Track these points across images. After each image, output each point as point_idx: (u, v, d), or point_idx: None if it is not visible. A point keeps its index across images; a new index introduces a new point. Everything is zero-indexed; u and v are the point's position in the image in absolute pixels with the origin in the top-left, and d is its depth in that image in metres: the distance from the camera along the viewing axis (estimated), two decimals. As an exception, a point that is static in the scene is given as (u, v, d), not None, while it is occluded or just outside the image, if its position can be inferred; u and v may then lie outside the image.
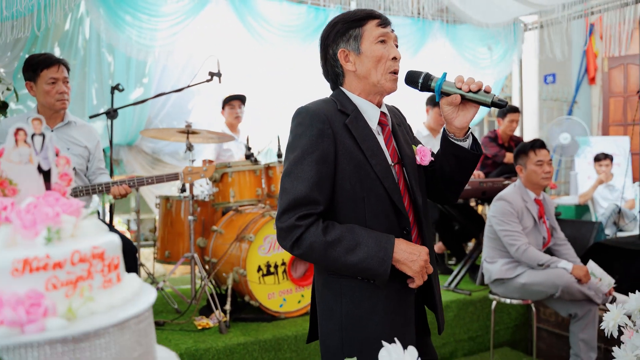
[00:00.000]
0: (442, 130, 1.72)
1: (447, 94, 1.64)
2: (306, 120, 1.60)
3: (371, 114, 1.69)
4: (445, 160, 1.72)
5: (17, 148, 0.79)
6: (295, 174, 1.57)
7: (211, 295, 3.37)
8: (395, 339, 1.08)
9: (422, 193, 1.74)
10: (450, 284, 4.18)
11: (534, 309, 3.58)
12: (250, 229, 3.42)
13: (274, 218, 3.40)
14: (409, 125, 1.89)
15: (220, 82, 3.82)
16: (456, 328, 3.85)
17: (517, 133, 6.13)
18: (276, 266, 3.45)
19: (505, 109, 5.03)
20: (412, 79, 1.67)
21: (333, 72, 1.73)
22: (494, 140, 5.17)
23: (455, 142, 1.67)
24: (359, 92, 1.70)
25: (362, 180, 1.61)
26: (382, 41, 1.66)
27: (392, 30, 1.71)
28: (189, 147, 3.50)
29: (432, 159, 1.74)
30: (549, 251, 3.50)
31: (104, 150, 3.64)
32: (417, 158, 1.73)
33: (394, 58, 1.66)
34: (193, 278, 3.62)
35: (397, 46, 1.72)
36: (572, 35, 7.90)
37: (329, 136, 1.58)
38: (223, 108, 4.69)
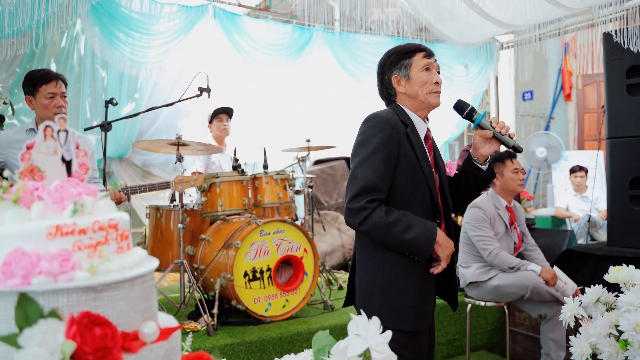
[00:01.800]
0: (467, 153, 2.21)
1: (482, 128, 2.10)
2: (380, 124, 2.01)
3: (420, 128, 2.12)
4: (465, 177, 2.21)
5: (45, 142, 0.98)
6: (367, 165, 1.97)
7: (199, 300, 3.51)
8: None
9: (449, 197, 2.20)
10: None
11: (506, 311, 3.77)
12: (237, 236, 3.57)
13: (259, 226, 3.57)
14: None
15: (209, 97, 4.01)
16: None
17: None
18: (262, 272, 3.60)
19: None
20: (461, 106, 2.14)
21: (387, 92, 2.17)
22: None
23: (478, 164, 2.16)
24: (410, 108, 2.12)
25: (414, 178, 2.03)
26: (427, 69, 2.09)
27: (435, 60, 2.15)
28: (179, 158, 3.66)
29: (457, 172, 2.25)
30: (520, 256, 3.70)
31: (96, 162, 3.80)
32: (447, 170, 2.20)
33: (436, 82, 2.09)
34: (182, 283, 3.76)
35: (439, 72, 2.15)
36: (548, 54, 8.23)
37: (395, 140, 1.99)
38: (211, 122, 4.86)
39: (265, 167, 4.05)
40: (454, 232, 2.24)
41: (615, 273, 2.43)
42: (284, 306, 3.68)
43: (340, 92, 6.10)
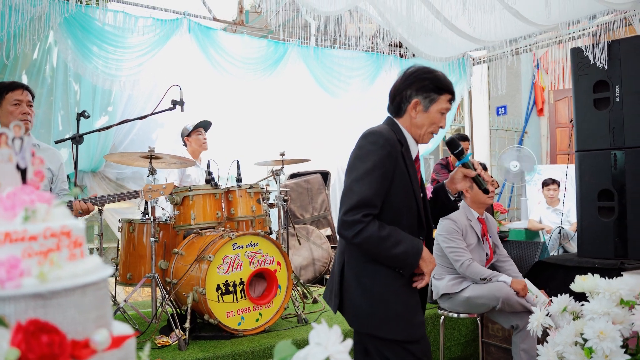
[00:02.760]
0: (442, 183, 2.42)
1: (466, 167, 2.32)
2: (380, 141, 2.08)
3: (413, 149, 2.23)
4: (434, 203, 2.39)
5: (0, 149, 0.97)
6: (365, 181, 2.04)
7: (171, 315, 3.48)
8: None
9: (430, 216, 2.33)
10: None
11: (479, 322, 3.80)
12: (209, 250, 3.55)
13: (232, 239, 3.56)
14: None
15: (182, 110, 3.99)
16: (408, 344, 4.03)
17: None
18: (234, 285, 3.58)
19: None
20: (454, 144, 2.33)
21: (399, 105, 2.22)
22: (445, 167, 5.48)
23: (450, 195, 2.37)
24: (408, 130, 2.22)
25: (406, 196, 2.14)
26: (443, 113, 2.21)
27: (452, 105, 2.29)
28: (152, 171, 3.64)
29: (431, 195, 2.41)
30: (493, 267, 3.74)
31: (68, 176, 3.76)
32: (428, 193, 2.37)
33: (441, 127, 2.24)
34: (154, 297, 3.72)
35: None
36: (521, 69, 8.40)
37: (393, 158, 2.08)
38: (189, 135, 4.83)
39: (239, 180, 4.05)
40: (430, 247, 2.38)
41: (581, 282, 2.47)
42: (257, 320, 3.65)
43: (315, 106, 6.15)
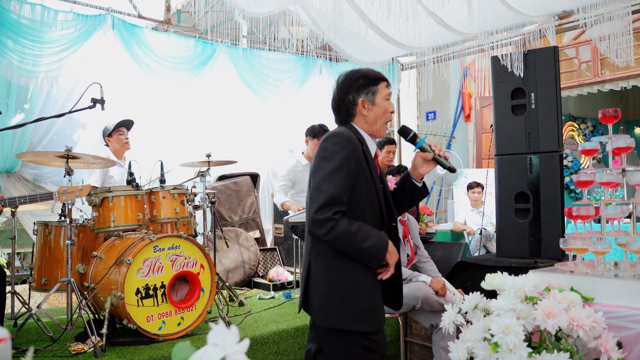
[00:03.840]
0: (405, 172, 2.49)
1: (423, 150, 2.40)
2: (343, 142, 2.19)
3: (371, 147, 2.33)
4: (401, 193, 2.49)
5: None
6: (331, 179, 2.13)
7: (88, 321, 3.34)
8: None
9: (394, 209, 2.43)
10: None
11: (400, 322, 3.87)
12: (129, 253, 3.44)
13: (153, 241, 3.47)
14: None
15: (103, 109, 3.85)
16: (334, 344, 4.06)
17: (395, 163, 6.59)
18: (155, 289, 3.49)
19: (383, 139, 5.45)
20: (406, 131, 2.43)
21: (347, 112, 2.34)
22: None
23: (415, 182, 2.45)
24: (364, 129, 2.33)
25: (369, 192, 2.24)
26: (388, 99, 2.34)
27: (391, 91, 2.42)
28: (68, 172, 3.50)
29: (395, 186, 2.49)
30: (414, 267, 3.83)
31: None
32: (389, 184, 2.43)
33: (392, 112, 2.36)
34: (69, 303, 3.56)
35: None
36: (450, 77, 8.65)
37: (356, 157, 2.19)
38: (110, 135, 4.68)
39: (162, 181, 3.95)
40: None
41: (491, 280, 2.56)
42: (179, 324, 3.57)
43: (243, 107, 6.10)
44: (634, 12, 4.55)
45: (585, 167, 11.28)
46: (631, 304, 2.35)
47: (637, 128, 13.13)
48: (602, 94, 10.56)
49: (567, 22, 5.15)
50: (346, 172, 2.15)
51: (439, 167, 7.73)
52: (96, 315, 3.71)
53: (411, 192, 2.47)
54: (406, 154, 7.77)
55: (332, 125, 4.56)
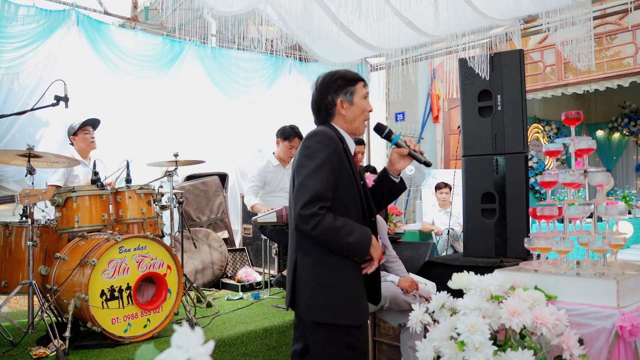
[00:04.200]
0: (382, 168, 2.55)
1: (399, 146, 2.45)
2: (325, 140, 2.26)
3: (351, 146, 2.41)
4: (380, 189, 2.54)
5: None
6: (316, 176, 2.20)
7: (50, 324, 3.26)
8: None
9: (373, 206, 2.49)
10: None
11: (368, 322, 3.89)
12: (93, 254, 3.37)
13: (118, 242, 3.40)
14: None
15: (67, 106, 3.77)
16: (302, 345, 4.05)
17: (364, 164, 6.63)
18: (121, 290, 3.42)
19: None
20: (381, 128, 2.48)
21: (326, 112, 2.41)
22: None
23: (392, 178, 2.51)
24: (343, 129, 2.40)
25: (351, 189, 2.31)
26: (365, 97, 2.41)
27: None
28: (30, 171, 3.40)
29: (374, 183, 2.54)
30: (382, 267, 3.84)
31: None
32: (367, 181, 2.50)
33: (370, 111, 2.43)
34: (31, 306, 3.46)
35: None
36: (419, 78, 8.74)
37: (338, 154, 2.26)
38: (75, 134, 4.57)
39: (128, 181, 3.88)
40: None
41: (457, 280, 2.59)
42: (145, 326, 3.51)
43: (212, 107, 6.05)
44: (594, 18, 4.67)
45: (550, 168, 11.54)
46: (592, 302, 2.41)
47: (599, 130, 13.50)
48: (566, 97, 10.83)
49: (532, 26, 5.26)
50: (329, 169, 2.23)
51: (407, 168, 7.78)
52: (59, 319, 3.62)
53: (390, 188, 2.53)
54: (376, 154, 7.83)
55: (303, 126, 4.57)
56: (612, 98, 12.76)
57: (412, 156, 2.46)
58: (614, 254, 2.71)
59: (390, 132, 2.50)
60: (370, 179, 2.55)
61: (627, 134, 13.30)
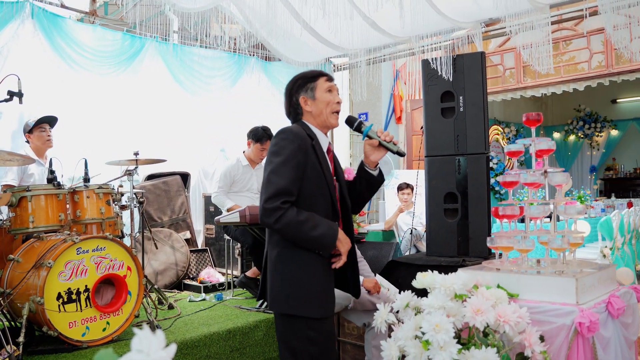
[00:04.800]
0: (360, 161, 2.56)
1: (370, 138, 2.47)
2: (290, 137, 2.31)
3: (323, 142, 2.44)
4: (359, 182, 2.57)
5: None
6: (280, 172, 2.27)
7: (2, 329, 3.13)
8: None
9: (349, 201, 2.56)
10: (260, 305, 4.35)
11: (332, 316, 3.88)
12: (49, 255, 3.26)
13: (76, 243, 3.30)
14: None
15: (21, 102, 3.63)
16: (266, 346, 4.00)
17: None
18: (78, 293, 3.32)
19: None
20: (351, 120, 2.52)
21: (295, 112, 2.48)
22: None
23: (369, 171, 2.53)
24: (314, 125, 2.44)
25: (319, 185, 2.35)
26: (329, 91, 2.44)
27: (336, 84, 2.52)
28: (-20, 169, 3.27)
29: (356, 182, 2.56)
30: (347, 267, 3.84)
31: None
32: (346, 175, 2.52)
33: (337, 102, 2.45)
34: (-19, 310, 3.33)
35: (339, 94, 2.52)
36: (382, 79, 8.81)
37: (304, 151, 2.31)
38: (31, 132, 4.42)
39: (86, 180, 3.77)
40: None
41: (422, 279, 2.61)
42: (104, 329, 3.42)
43: (174, 105, 5.94)
44: (552, 23, 4.79)
45: (510, 169, 11.81)
46: (552, 299, 2.46)
47: (555, 133, 13.90)
48: (525, 100, 11.11)
49: (493, 30, 5.36)
50: (294, 164, 2.28)
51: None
52: (12, 323, 3.48)
53: (368, 181, 2.55)
54: (339, 157, 7.85)
55: (268, 125, 4.52)
56: (568, 101, 13.16)
57: (383, 146, 2.48)
58: (572, 252, 2.78)
59: (360, 123, 2.50)
60: (350, 172, 2.56)
61: (582, 136, 13.74)
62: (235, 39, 5.27)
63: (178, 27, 5.97)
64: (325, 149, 2.46)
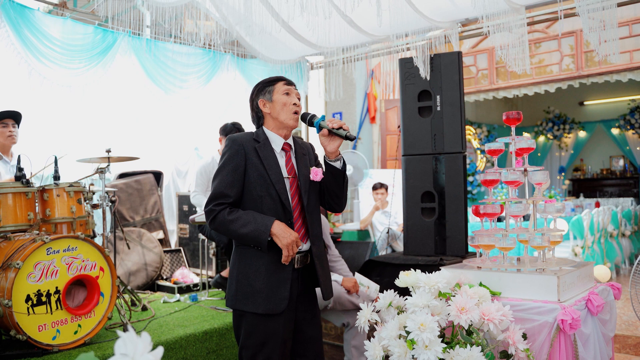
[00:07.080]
0: (323, 155, 2.57)
1: (322, 128, 2.49)
2: (229, 143, 2.48)
3: (277, 143, 2.53)
4: (326, 176, 2.56)
5: None
6: (218, 177, 2.45)
7: (-32, 332, 3.00)
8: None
9: (311, 198, 2.56)
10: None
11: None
12: (18, 256, 3.13)
13: (46, 243, 3.18)
14: (315, 155, 2.71)
15: (-13, 97, 3.51)
16: (243, 347, 3.94)
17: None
18: (49, 295, 3.20)
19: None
20: (303, 117, 2.57)
21: (257, 116, 2.59)
22: None
23: (330, 162, 2.53)
24: (272, 128, 2.55)
25: (262, 184, 2.43)
26: (287, 94, 2.53)
27: (295, 88, 2.60)
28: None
29: (323, 176, 2.53)
30: (325, 267, 3.81)
31: None
32: (310, 175, 2.51)
33: (294, 104, 2.52)
34: (-55, 314, 3.18)
35: (299, 98, 2.59)
36: (356, 79, 8.80)
37: (242, 154, 2.44)
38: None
39: (56, 178, 3.64)
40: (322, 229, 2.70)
41: (405, 278, 2.58)
42: (75, 332, 3.30)
43: (147, 101, 5.81)
44: (528, 24, 4.84)
45: (481, 169, 11.95)
46: (534, 297, 2.47)
47: (525, 133, 14.13)
48: (496, 101, 11.25)
49: (469, 30, 5.39)
50: (230, 169, 2.43)
51: (347, 168, 7.74)
52: (-22, 326, 3.34)
53: (332, 173, 2.55)
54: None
55: (242, 122, 4.45)
56: (537, 103, 13.40)
57: (332, 133, 2.49)
58: (551, 250, 2.80)
59: (313, 117, 2.56)
60: (316, 172, 2.50)
61: (551, 137, 14.01)
62: (210, 35, 5.18)
63: (151, 22, 5.85)
64: (278, 150, 2.52)
